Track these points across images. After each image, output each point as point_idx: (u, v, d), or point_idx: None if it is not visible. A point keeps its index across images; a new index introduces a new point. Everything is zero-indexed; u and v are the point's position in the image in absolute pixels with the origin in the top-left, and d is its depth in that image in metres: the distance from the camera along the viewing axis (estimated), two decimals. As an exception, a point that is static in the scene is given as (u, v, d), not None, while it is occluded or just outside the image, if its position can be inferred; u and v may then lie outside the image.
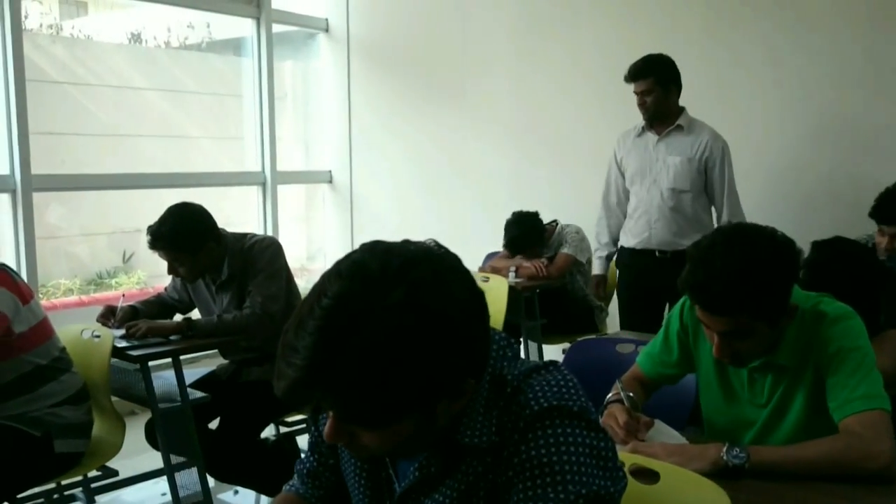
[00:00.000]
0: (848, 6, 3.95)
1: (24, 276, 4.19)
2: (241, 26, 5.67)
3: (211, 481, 3.20)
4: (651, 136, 3.80)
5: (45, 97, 4.94)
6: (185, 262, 3.12)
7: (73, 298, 5.31)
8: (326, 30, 6.10)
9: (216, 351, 3.40)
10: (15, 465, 2.50)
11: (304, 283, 4.93)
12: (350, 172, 6.09)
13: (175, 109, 5.89)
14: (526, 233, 4.40)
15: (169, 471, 3.06)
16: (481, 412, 1.12)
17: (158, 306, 3.40)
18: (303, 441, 3.38)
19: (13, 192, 4.28)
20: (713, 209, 3.80)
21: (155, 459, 3.24)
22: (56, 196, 5.08)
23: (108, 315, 3.23)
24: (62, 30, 5.89)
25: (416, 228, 5.25)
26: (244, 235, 3.28)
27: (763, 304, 1.67)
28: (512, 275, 4.33)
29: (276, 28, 5.70)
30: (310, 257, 6.50)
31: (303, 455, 1.44)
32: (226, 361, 3.40)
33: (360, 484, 1.27)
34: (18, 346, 2.52)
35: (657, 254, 3.79)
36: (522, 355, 1.20)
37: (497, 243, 4.67)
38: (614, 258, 4.11)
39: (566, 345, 4.13)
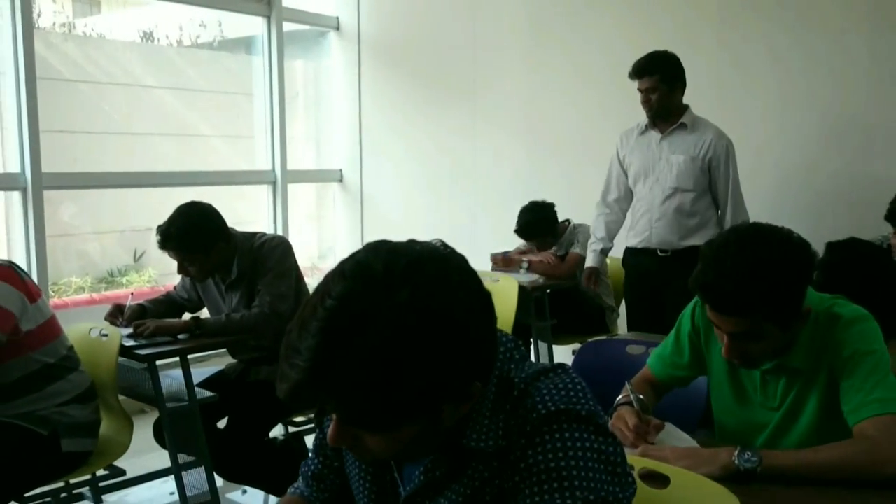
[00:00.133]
0: (851, 4, 3.92)
1: (34, 273, 4.22)
2: (252, 25, 5.68)
3: (219, 481, 3.20)
4: (654, 135, 3.76)
5: (58, 95, 4.96)
6: (195, 261, 3.11)
7: (84, 296, 5.33)
8: (337, 28, 6.10)
9: (225, 350, 3.39)
10: (22, 463, 2.49)
11: (315, 282, 4.90)
12: (360, 171, 6.09)
13: (186, 108, 5.90)
14: (538, 220, 4.41)
15: (176, 470, 3.05)
16: (488, 416, 1.10)
17: (167, 305, 3.39)
18: (311, 441, 3.36)
19: (24, 190, 4.29)
20: (717, 208, 3.75)
21: (163, 459, 3.24)
22: (69, 194, 5.10)
23: (117, 314, 3.23)
24: (75, 28, 5.91)
25: (425, 227, 5.24)
26: (254, 235, 3.27)
27: (774, 305, 1.64)
28: (524, 268, 4.33)
29: (287, 27, 5.70)
30: (321, 256, 6.50)
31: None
32: (234, 360, 3.39)
33: (364, 487, 1.25)
34: (26, 344, 2.51)
35: (659, 253, 3.76)
36: (532, 355, 1.19)
37: (506, 244, 4.66)
38: (613, 256, 4.10)
39: (576, 345, 4.10)
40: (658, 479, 1.48)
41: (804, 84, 4.08)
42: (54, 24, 5.65)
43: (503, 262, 4.48)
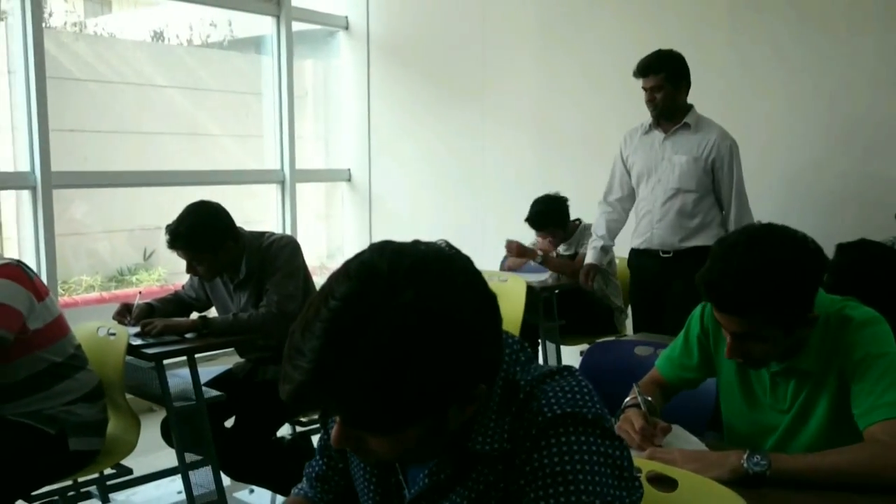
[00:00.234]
0: (858, 4, 3.88)
1: (43, 272, 4.23)
2: (261, 24, 5.68)
3: (226, 480, 3.20)
4: (658, 134, 3.73)
5: (69, 95, 4.98)
6: (204, 260, 3.11)
7: (94, 295, 5.34)
8: (346, 28, 6.09)
9: (233, 349, 3.39)
10: (30, 462, 2.49)
11: (323, 281, 4.92)
12: (369, 171, 6.08)
13: (196, 107, 5.91)
14: (550, 210, 4.40)
15: (184, 469, 3.05)
16: (493, 418, 1.09)
17: (175, 304, 3.40)
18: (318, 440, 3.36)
19: (34, 189, 4.30)
20: (721, 209, 3.72)
21: (170, 458, 3.24)
22: (79, 193, 5.11)
23: (124, 313, 3.24)
24: (86, 27, 5.94)
25: (434, 227, 5.24)
26: (262, 234, 3.27)
27: (777, 308, 1.62)
28: (538, 261, 4.33)
29: (297, 26, 5.70)
30: (329, 255, 6.50)
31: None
32: (242, 360, 3.39)
33: (369, 489, 1.24)
34: (34, 342, 2.51)
35: (661, 254, 3.74)
36: (540, 356, 1.18)
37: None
38: (621, 256, 4.09)
39: (585, 346, 4.08)
40: (666, 483, 1.46)
41: (811, 84, 4.05)
42: (65, 23, 5.67)
43: (518, 249, 4.45)
